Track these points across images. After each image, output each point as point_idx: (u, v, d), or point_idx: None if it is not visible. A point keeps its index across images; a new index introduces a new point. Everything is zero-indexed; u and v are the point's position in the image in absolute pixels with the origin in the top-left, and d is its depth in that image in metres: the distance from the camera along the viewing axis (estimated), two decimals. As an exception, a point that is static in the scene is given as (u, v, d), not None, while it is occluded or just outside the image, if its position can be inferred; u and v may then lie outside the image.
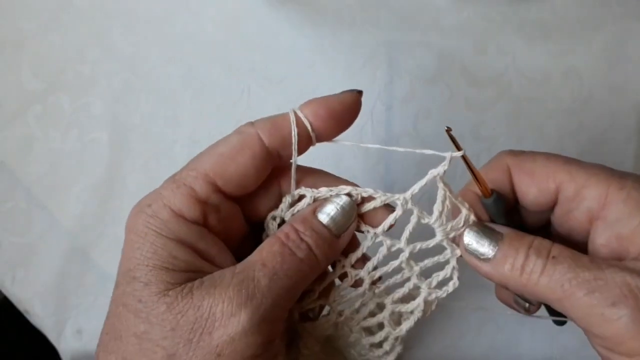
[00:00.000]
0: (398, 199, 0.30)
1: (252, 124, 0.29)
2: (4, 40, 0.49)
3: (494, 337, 0.50)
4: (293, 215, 0.31)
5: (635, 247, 0.27)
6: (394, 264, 0.32)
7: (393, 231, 0.31)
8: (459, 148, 0.28)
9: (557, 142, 0.49)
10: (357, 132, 0.48)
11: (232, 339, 0.25)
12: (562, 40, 0.49)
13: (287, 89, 0.49)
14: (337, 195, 0.30)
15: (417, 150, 0.29)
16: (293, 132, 0.29)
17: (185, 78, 0.49)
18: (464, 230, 0.30)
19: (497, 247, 0.29)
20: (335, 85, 0.48)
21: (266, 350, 0.27)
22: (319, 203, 0.30)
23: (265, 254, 0.28)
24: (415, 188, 0.29)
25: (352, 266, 0.32)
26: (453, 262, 0.31)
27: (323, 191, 0.30)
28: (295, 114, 0.29)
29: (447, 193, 0.29)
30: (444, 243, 0.30)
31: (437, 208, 0.29)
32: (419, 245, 0.31)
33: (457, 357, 0.50)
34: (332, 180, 0.31)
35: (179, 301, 0.26)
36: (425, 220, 0.30)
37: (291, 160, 0.30)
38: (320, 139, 0.30)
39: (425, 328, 0.50)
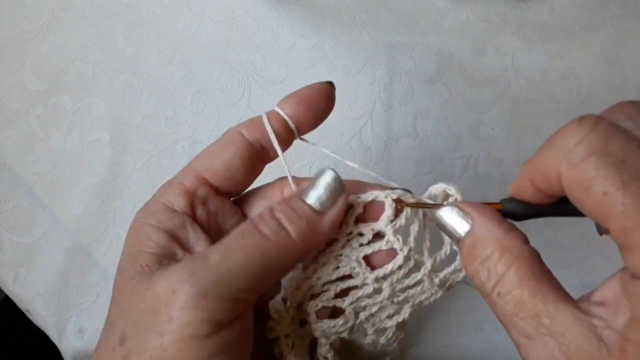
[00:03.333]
0: (401, 248, 0.30)
1: (237, 125, 0.31)
2: (5, 41, 0.50)
3: (492, 336, 0.50)
4: None
5: None
6: (416, 276, 0.31)
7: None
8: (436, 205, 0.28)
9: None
10: (356, 133, 0.49)
11: (170, 317, 0.24)
12: (560, 41, 0.50)
13: (287, 89, 0.48)
14: (321, 171, 0.29)
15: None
16: (265, 122, 0.30)
17: (186, 78, 0.50)
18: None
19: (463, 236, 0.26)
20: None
21: (214, 332, 0.24)
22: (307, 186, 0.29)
23: (229, 234, 0.27)
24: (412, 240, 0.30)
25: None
26: (458, 264, 0.31)
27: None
28: (274, 110, 0.31)
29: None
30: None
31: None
32: (439, 257, 0.31)
33: (456, 356, 0.50)
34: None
35: (139, 283, 0.26)
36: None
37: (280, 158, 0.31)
38: (301, 130, 0.31)
39: (424, 327, 0.50)
